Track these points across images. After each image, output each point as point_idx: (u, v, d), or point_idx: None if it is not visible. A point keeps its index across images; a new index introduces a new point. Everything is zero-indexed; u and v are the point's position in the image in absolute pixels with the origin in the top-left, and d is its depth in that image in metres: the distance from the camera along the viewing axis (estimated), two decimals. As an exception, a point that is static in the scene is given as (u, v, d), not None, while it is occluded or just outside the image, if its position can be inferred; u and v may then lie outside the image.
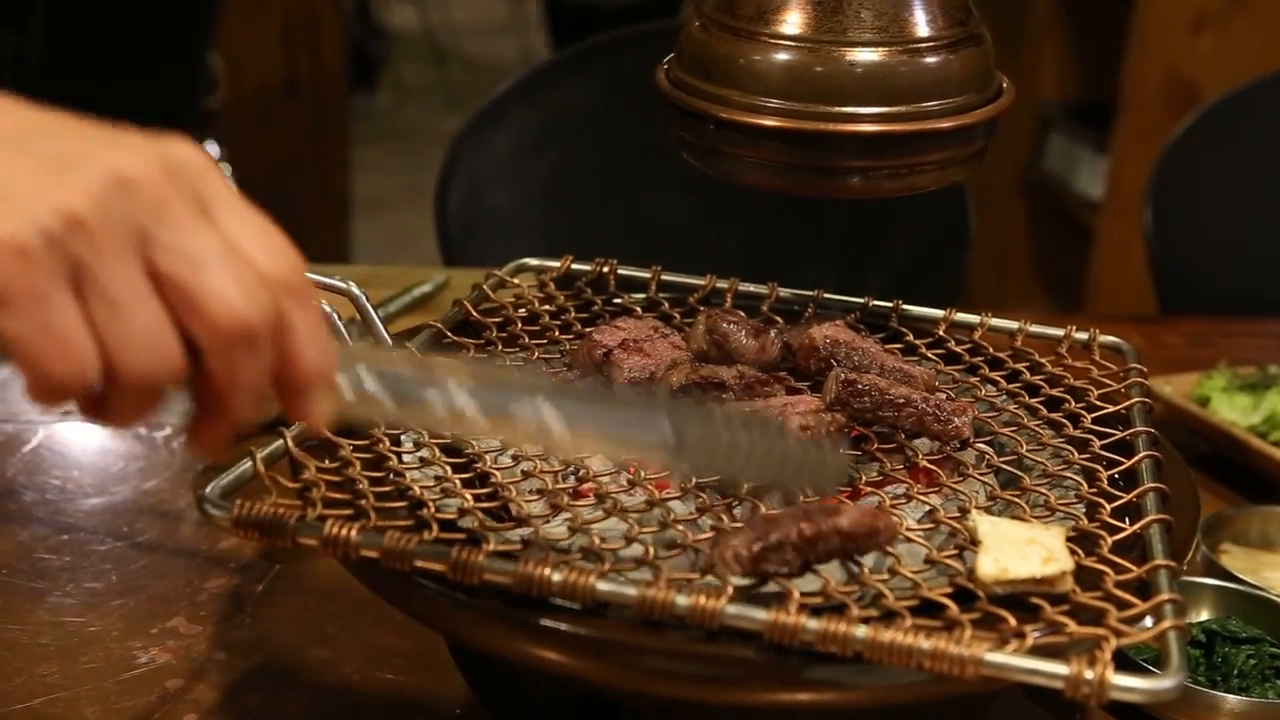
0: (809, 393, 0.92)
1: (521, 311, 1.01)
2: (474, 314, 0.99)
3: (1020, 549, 0.75)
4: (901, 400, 0.89)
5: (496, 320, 0.99)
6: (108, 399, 0.57)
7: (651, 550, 0.73)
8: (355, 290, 0.87)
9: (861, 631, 0.67)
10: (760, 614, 0.68)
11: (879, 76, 0.86)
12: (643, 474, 0.82)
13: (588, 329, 0.98)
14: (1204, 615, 0.99)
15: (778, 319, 1.03)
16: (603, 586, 0.69)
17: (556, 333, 0.99)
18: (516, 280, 1.05)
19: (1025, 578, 0.74)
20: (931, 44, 0.88)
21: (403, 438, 0.84)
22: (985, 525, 0.78)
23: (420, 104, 5.69)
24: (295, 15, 3.46)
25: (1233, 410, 1.28)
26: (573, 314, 1.02)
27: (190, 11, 2.84)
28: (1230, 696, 0.90)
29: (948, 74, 0.88)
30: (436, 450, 0.82)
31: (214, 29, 2.95)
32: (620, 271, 1.07)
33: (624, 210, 1.69)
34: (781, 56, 0.86)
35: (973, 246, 1.73)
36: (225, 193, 0.58)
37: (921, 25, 0.87)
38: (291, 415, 0.62)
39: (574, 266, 1.06)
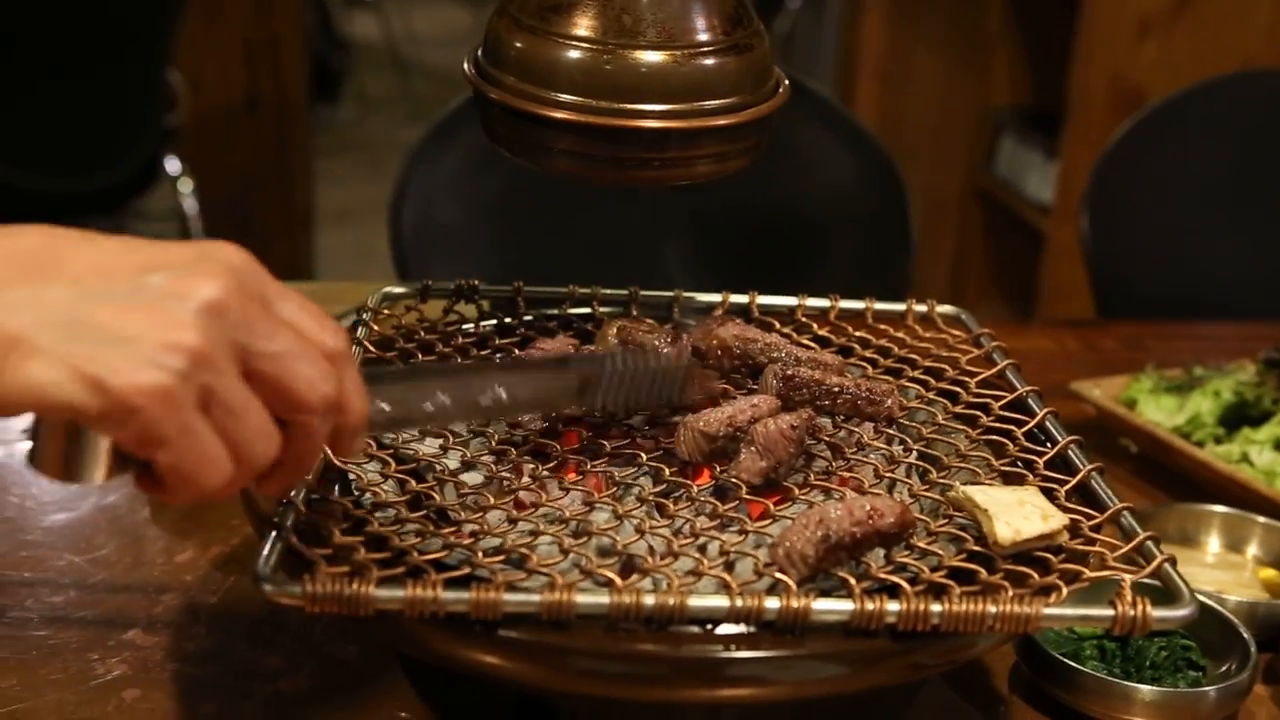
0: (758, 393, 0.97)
1: (414, 343, 1.04)
2: (373, 350, 1.01)
3: (1017, 511, 0.81)
4: (837, 388, 0.95)
5: (401, 349, 1.02)
6: (232, 482, 0.66)
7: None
8: None
9: (937, 607, 0.73)
10: (846, 605, 0.73)
11: (662, 76, 0.91)
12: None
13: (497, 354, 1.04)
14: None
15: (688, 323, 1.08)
16: (694, 602, 0.73)
17: (459, 360, 1.03)
18: (386, 310, 1.08)
19: (1035, 536, 0.80)
20: (711, 47, 0.92)
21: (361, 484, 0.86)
22: (979, 495, 0.83)
23: (383, 115, 5.71)
24: (256, 32, 3.48)
25: (1159, 412, 1.33)
26: (460, 340, 1.05)
27: (143, 28, 2.87)
28: (1144, 687, 0.95)
29: (724, 74, 0.93)
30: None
31: (169, 46, 2.97)
32: (484, 287, 1.11)
33: (574, 224, 1.73)
34: (574, 55, 0.91)
35: (913, 252, 1.78)
36: (273, 284, 0.68)
37: (701, 29, 0.92)
38: (341, 452, 0.75)
39: (435, 287, 1.11)
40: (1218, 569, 1.14)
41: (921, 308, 1.12)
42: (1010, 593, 0.75)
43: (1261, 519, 1.16)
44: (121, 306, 0.62)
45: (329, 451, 0.78)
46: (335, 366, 0.68)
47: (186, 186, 3.22)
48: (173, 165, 3.17)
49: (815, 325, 1.10)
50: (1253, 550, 1.16)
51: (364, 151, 5.22)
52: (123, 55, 2.88)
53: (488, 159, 1.76)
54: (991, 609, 0.73)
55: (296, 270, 3.59)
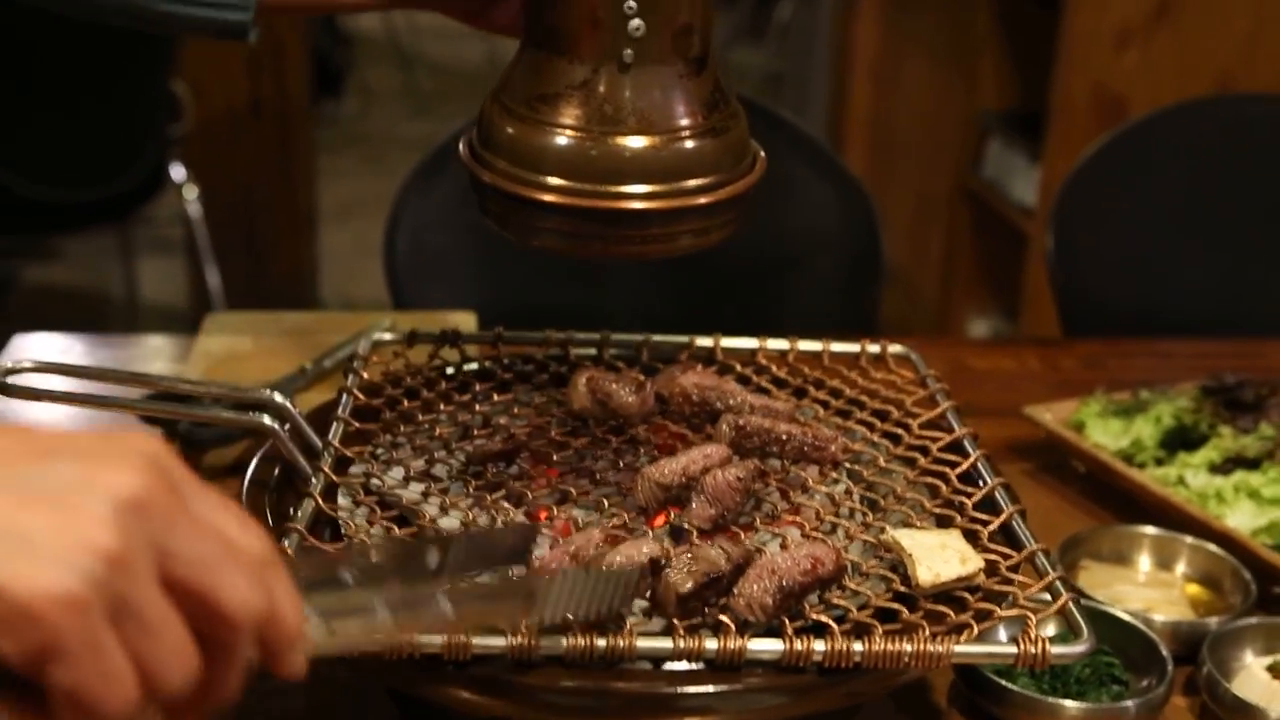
0: (710, 442, 1.05)
1: (400, 389, 1.12)
2: (362, 398, 1.09)
3: (939, 554, 0.90)
4: (785, 436, 1.04)
5: (389, 396, 1.11)
6: (134, 710, 0.56)
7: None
8: (280, 400, 1.02)
9: (859, 646, 0.82)
10: (777, 645, 0.82)
11: (642, 160, 0.97)
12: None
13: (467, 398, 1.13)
14: (1050, 630, 1.13)
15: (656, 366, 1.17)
16: (641, 643, 0.81)
17: (443, 405, 1.12)
18: (374, 357, 1.16)
19: (953, 579, 0.90)
20: (689, 132, 0.98)
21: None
22: (905, 539, 0.92)
23: (386, 109, 5.79)
24: (259, 38, 3.56)
25: (1105, 435, 1.41)
26: (444, 385, 1.14)
27: (150, 43, 2.95)
28: (1068, 702, 1.04)
29: (702, 156, 0.99)
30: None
31: (174, 59, 3.06)
32: (465, 334, 1.20)
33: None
34: (561, 141, 0.97)
35: (884, 279, 1.86)
36: (191, 480, 0.59)
37: (680, 115, 0.98)
38: (279, 669, 0.61)
39: (421, 333, 1.19)
40: (1148, 587, 1.22)
41: (874, 348, 1.20)
42: (926, 632, 0.84)
43: (1189, 539, 1.25)
44: (23, 498, 0.54)
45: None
46: (263, 576, 0.59)
47: (191, 193, 3.31)
48: (177, 172, 3.26)
49: (774, 367, 1.19)
50: (1181, 568, 1.24)
51: (367, 146, 5.30)
52: (130, 70, 2.97)
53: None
54: (907, 647, 0.82)
55: (300, 271, 3.68)
